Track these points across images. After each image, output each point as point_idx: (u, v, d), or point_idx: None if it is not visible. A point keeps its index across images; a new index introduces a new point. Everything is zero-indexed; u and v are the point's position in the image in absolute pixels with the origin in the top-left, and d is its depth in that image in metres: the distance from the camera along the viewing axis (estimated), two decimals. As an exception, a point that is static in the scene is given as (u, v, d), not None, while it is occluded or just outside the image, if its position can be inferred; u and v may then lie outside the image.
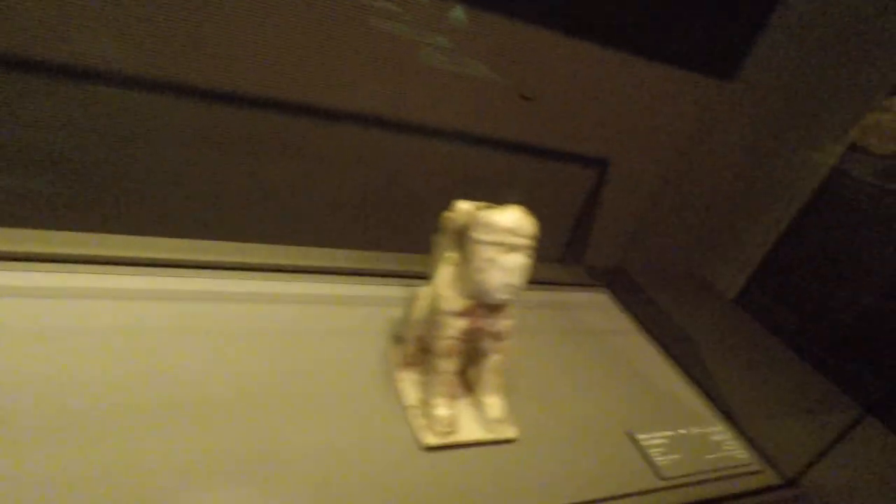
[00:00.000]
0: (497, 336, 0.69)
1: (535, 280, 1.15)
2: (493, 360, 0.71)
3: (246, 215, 0.93)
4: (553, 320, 1.05)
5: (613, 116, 1.11)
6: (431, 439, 0.68)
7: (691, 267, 1.51)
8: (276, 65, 0.82)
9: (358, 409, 0.71)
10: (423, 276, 0.77)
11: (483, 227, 0.63)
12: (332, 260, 0.95)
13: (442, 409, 0.69)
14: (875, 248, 1.20)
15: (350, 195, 0.96)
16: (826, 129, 1.27)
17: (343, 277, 0.94)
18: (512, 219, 0.62)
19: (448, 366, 0.69)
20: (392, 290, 0.94)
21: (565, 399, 0.83)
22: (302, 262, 0.92)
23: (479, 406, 0.73)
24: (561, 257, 1.28)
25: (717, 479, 0.77)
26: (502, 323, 0.69)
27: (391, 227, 1.02)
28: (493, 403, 0.72)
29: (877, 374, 1.09)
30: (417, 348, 0.75)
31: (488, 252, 0.62)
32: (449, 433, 0.68)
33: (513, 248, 0.62)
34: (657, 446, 0.78)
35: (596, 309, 1.14)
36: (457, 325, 0.67)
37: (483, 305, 0.66)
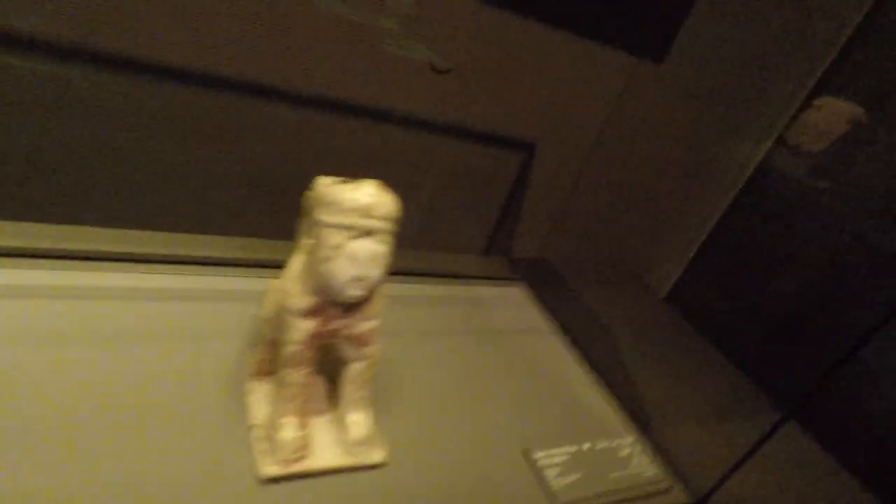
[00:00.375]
0: (358, 340, 0.57)
1: (443, 273, 1.06)
2: (355, 370, 0.59)
3: (83, 193, 0.77)
4: (455, 318, 0.94)
5: (538, 94, 1.01)
6: (272, 468, 0.55)
7: (623, 261, 1.43)
8: (128, 20, 0.67)
9: (193, 430, 0.57)
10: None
11: (330, 207, 0.50)
12: (187, 247, 0.80)
13: (288, 431, 0.56)
14: (804, 246, 1.16)
15: (216, 173, 0.82)
16: (754, 119, 1.22)
17: (201, 268, 0.79)
18: (364, 196, 0.50)
19: (296, 377, 0.56)
20: (259, 283, 0.80)
21: (454, 412, 0.72)
22: (149, 250, 0.77)
23: (340, 425, 0.60)
24: (480, 248, 1.17)
25: (617, 502, 0.67)
26: (363, 325, 0.57)
27: (268, 210, 0.88)
28: (357, 421, 0.60)
29: (800, 375, 1.04)
30: (270, 354, 0.61)
31: (335, 237, 0.50)
32: (296, 460, 0.56)
33: (365, 233, 0.50)
34: (555, 465, 0.68)
35: (508, 305, 1.03)
36: (304, 328, 0.54)
37: (335, 303, 0.54)
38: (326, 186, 0.51)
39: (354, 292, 0.51)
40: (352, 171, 0.60)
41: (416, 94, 0.92)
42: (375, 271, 0.52)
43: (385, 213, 0.51)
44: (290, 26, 0.75)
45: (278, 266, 0.85)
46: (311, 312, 0.54)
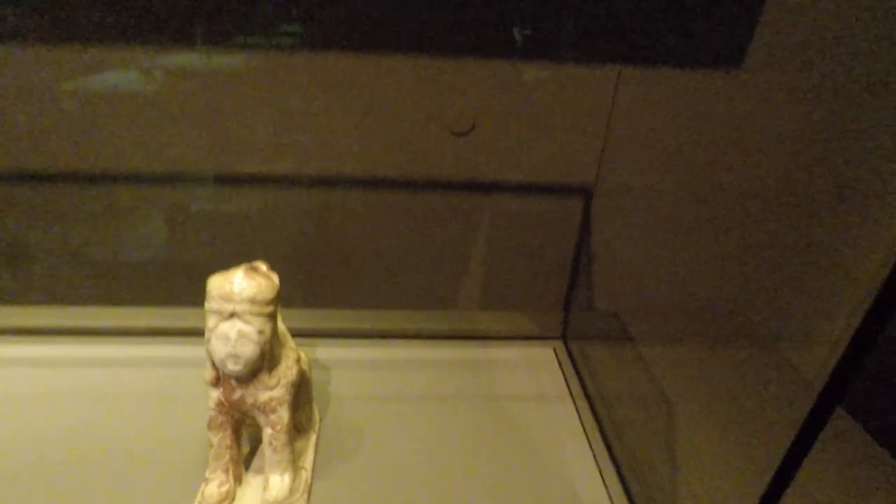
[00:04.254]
0: (263, 409, 0.64)
1: (466, 334, 1.05)
2: (267, 436, 0.65)
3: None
4: (458, 382, 0.92)
5: (595, 136, 0.97)
6: (194, 517, 0.64)
7: (736, 319, 1.21)
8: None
9: (164, 477, 0.70)
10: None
11: (207, 295, 0.59)
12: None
13: (211, 485, 0.65)
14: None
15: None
16: None
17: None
18: (226, 283, 0.58)
19: (213, 438, 0.65)
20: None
21: (404, 484, 0.72)
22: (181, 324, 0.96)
23: (265, 485, 0.67)
24: (558, 303, 1.13)
25: None
26: (264, 394, 0.63)
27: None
28: (273, 483, 0.65)
29: None
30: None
31: (211, 321, 0.59)
32: (214, 512, 0.64)
33: (231, 315, 0.58)
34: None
35: (530, 368, 0.98)
36: (213, 396, 0.63)
37: (232, 376, 0.62)
38: (211, 277, 0.61)
39: (233, 367, 0.59)
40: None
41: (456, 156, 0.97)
42: (247, 349, 0.58)
43: (247, 297, 0.58)
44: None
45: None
46: (214, 383, 0.63)
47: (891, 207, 0.65)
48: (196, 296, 0.97)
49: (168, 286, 1.01)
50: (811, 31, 0.78)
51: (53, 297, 0.99)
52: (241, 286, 0.58)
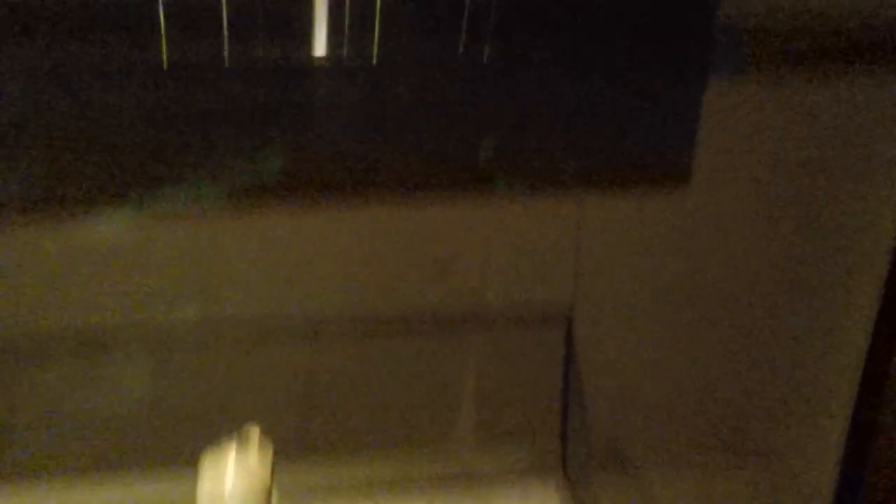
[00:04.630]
0: None
1: (461, 475, 1.01)
2: None
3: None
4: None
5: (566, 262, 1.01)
6: None
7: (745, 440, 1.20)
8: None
9: None
10: None
11: (199, 476, 0.58)
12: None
13: None
14: None
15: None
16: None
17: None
18: (217, 465, 0.57)
19: None
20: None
21: None
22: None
23: None
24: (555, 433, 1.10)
25: None
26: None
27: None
28: None
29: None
30: None
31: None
32: None
33: (225, 498, 0.56)
34: None
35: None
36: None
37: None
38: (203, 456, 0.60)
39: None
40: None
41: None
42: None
43: (241, 480, 0.57)
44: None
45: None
46: (206, 573, 0.59)
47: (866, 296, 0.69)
48: (183, 455, 0.94)
49: (154, 446, 0.97)
50: (744, 145, 0.87)
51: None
52: (233, 469, 0.57)
